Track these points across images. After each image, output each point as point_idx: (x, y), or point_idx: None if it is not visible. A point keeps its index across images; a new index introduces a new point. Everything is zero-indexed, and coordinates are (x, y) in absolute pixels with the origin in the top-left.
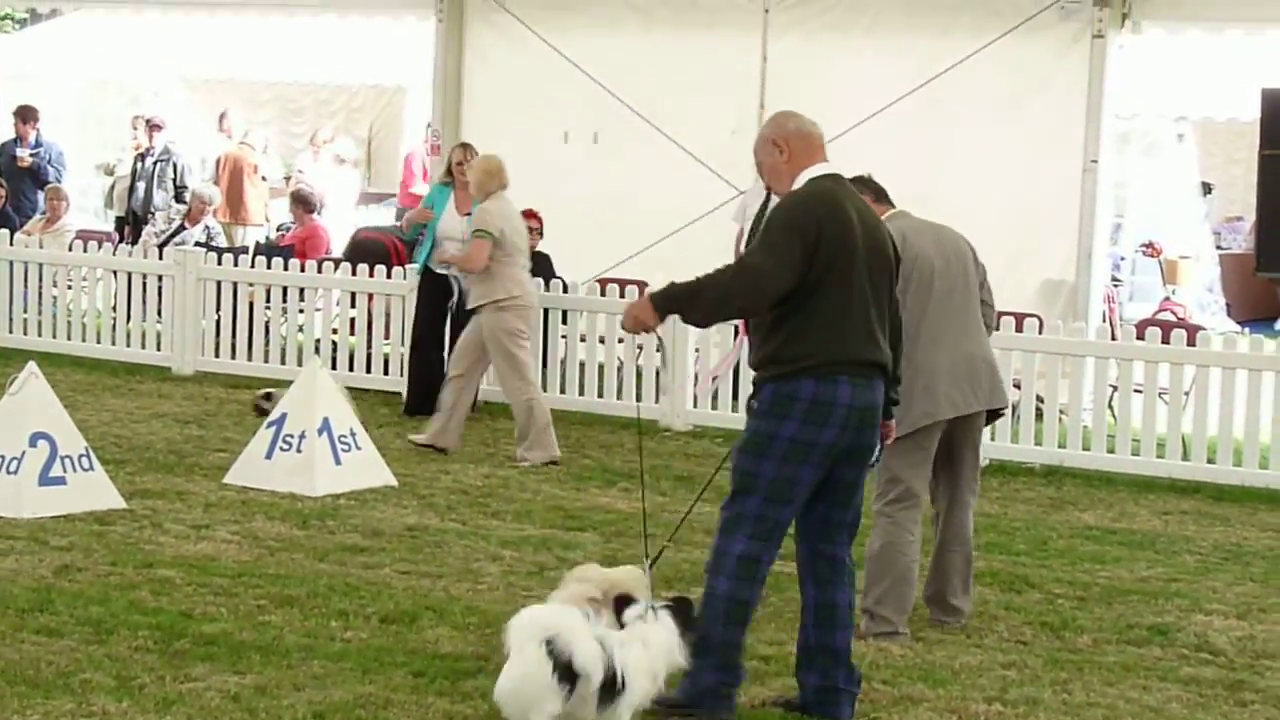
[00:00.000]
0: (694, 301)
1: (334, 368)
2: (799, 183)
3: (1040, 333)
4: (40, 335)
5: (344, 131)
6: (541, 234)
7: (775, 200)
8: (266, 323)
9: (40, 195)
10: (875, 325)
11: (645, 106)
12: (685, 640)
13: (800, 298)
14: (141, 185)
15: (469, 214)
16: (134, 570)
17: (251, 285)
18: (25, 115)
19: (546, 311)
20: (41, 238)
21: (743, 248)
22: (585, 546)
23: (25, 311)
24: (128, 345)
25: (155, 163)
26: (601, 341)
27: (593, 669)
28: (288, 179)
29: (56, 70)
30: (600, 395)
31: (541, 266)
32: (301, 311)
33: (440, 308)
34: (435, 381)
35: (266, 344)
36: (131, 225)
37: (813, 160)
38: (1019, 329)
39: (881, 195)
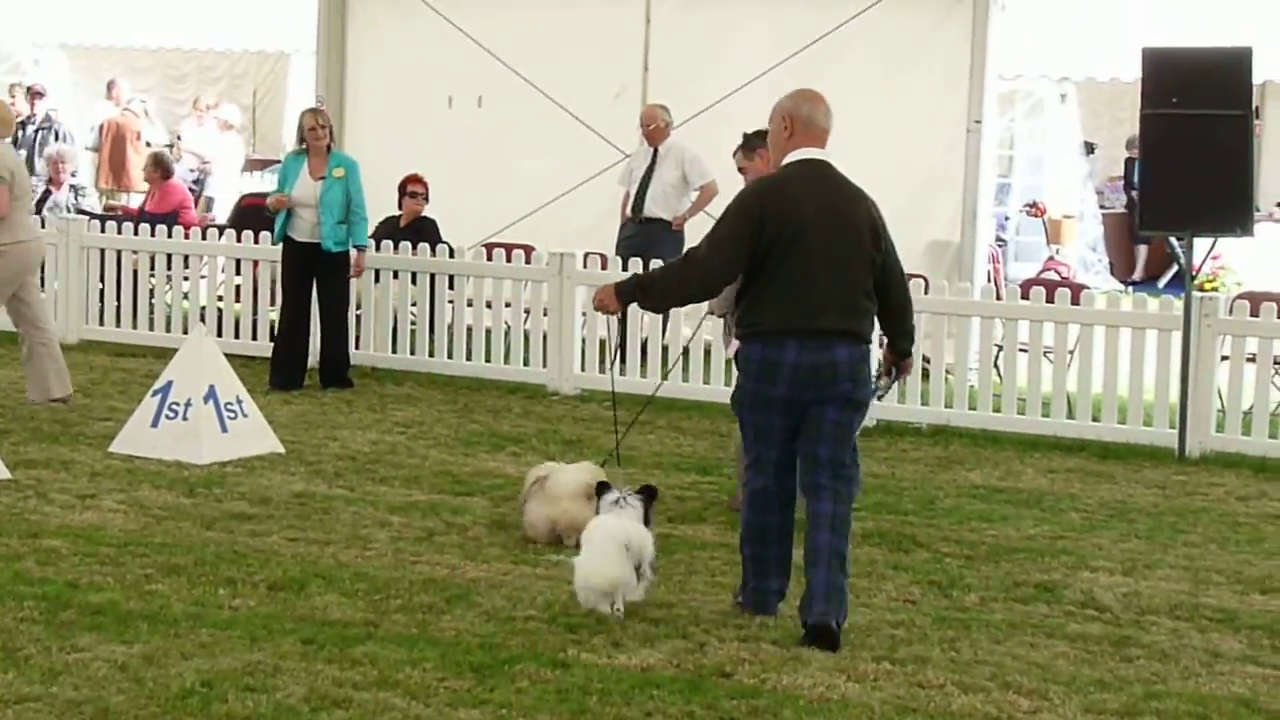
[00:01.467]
0: (648, 291)
1: (219, 335)
2: (786, 159)
3: (926, 293)
4: None
5: (227, 98)
6: (427, 199)
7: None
8: (151, 290)
9: None
10: (832, 294)
11: (529, 71)
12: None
13: (752, 273)
14: (23, 154)
15: (322, 178)
16: (19, 540)
17: (135, 253)
18: None
19: (433, 277)
20: None
21: (629, 211)
22: (474, 511)
23: None
24: None
25: (37, 131)
26: (488, 306)
27: (652, 561)
28: (171, 146)
29: None
30: (487, 360)
31: (427, 232)
32: (186, 279)
33: (304, 277)
34: (300, 353)
35: (151, 312)
36: None
37: (806, 144)
38: None
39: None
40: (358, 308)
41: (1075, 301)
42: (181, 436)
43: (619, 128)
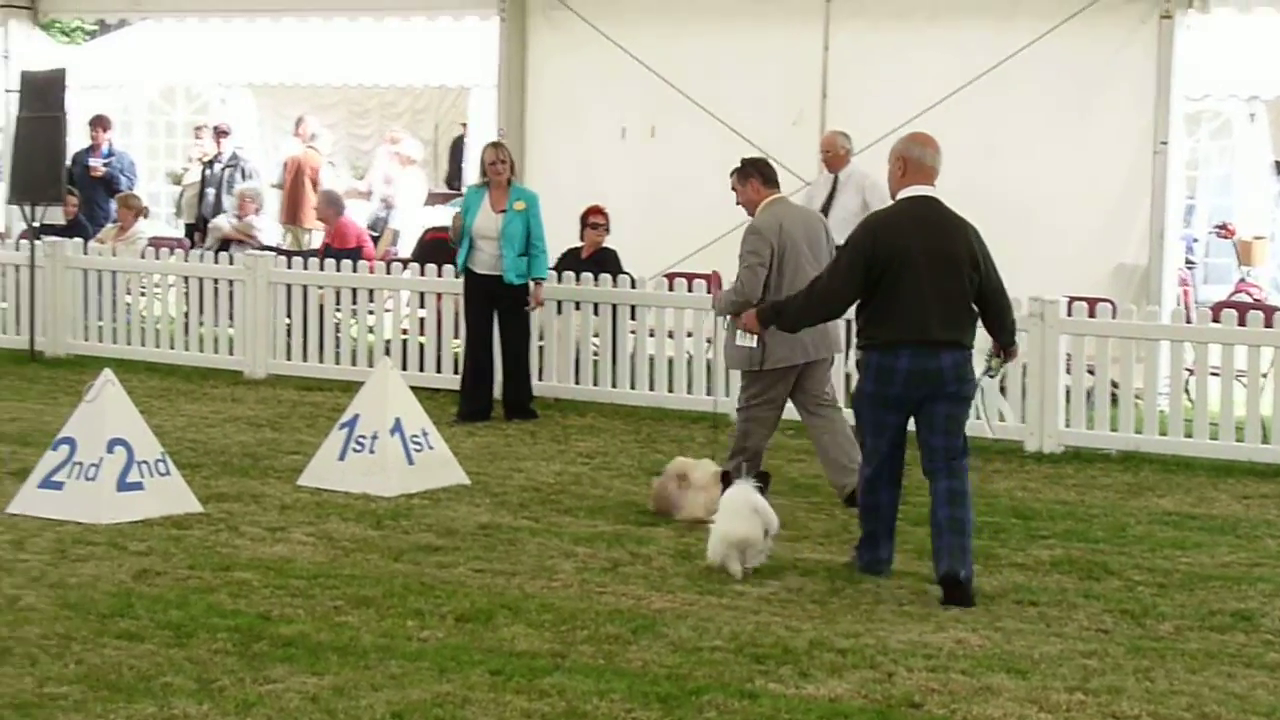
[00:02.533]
0: (783, 314)
1: (404, 368)
2: (899, 195)
3: (1114, 317)
4: (115, 342)
5: (409, 133)
6: (608, 230)
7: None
8: (337, 324)
9: (112, 204)
10: (937, 310)
11: (706, 98)
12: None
13: (869, 294)
14: (211, 192)
15: (503, 211)
16: (212, 573)
17: (321, 288)
18: (98, 124)
19: (615, 307)
20: (114, 246)
21: None
22: (658, 542)
23: (100, 319)
24: (200, 350)
25: (224, 169)
26: (670, 336)
27: (775, 524)
28: (361, 177)
29: (126, 80)
30: (670, 390)
31: (609, 262)
32: (371, 313)
33: (486, 309)
34: (486, 385)
35: (337, 345)
36: (201, 231)
37: (915, 182)
38: (1092, 314)
39: (769, 180)
40: (540, 339)
41: (1268, 324)
42: (369, 469)
43: (798, 155)
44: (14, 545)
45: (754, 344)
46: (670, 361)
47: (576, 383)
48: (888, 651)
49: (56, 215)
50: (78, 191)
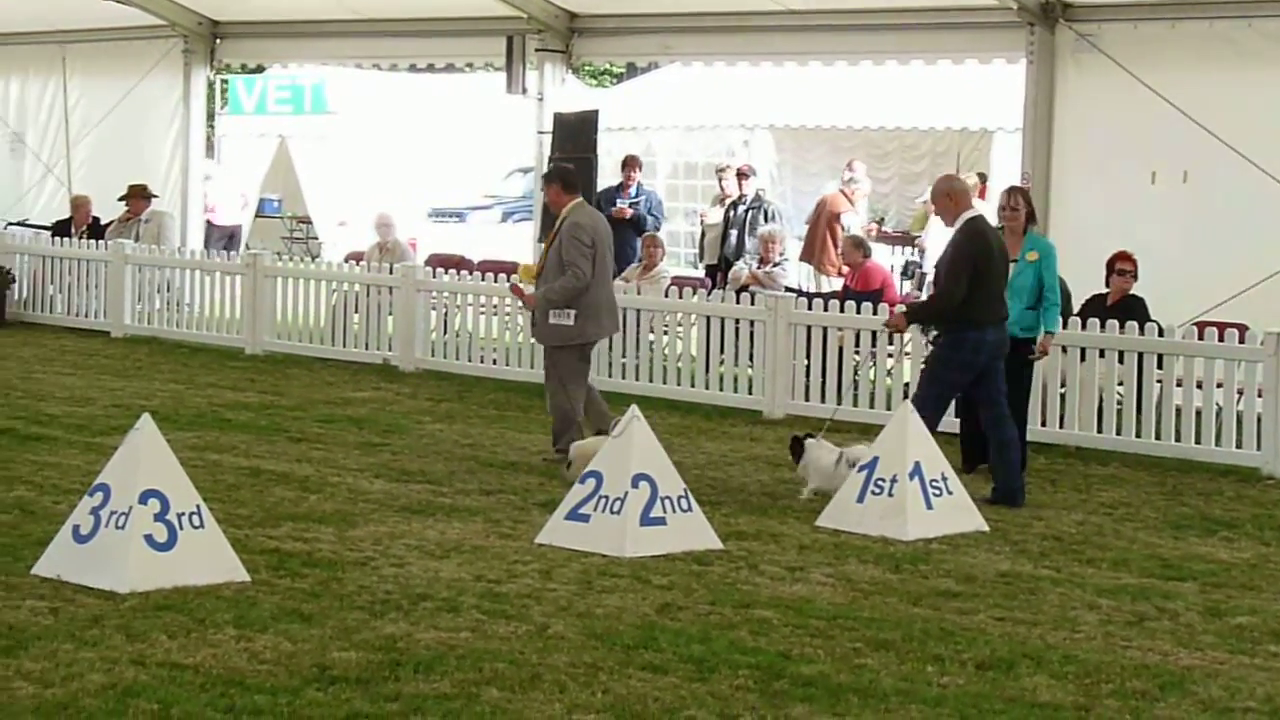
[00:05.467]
0: (917, 314)
1: None
2: (962, 217)
3: None
4: (638, 379)
5: (928, 177)
6: (1135, 276)
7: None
8: (855, 366)
9: (639, 242)
10: (1003, 294)
11: (1243, 144)
12: None
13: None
14: (734, 233)
15: (1014, 260)
16: (732, 610)
17: (841, 330)
18: (630, 164)
19: (1140, 355)
20: (639, 284)
21: None
22: (1185, 597)
23: (624, 356)
24: (720, 389)
25: (747, 211)
26: (1199, 386)
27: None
28: (878, 222)
29: (650, 122)
30: (1198, 441)
31: (1136, 310)
32: (890, 356)
33: None
34: (980, 433)
35: (855, 388)
36: (723, 272)
37: (967, 206)
38: None
39: (570, 185)
40: (1062, 386)
41: None
42: (887, 512)
43: None
44: (543, 575)
45: (571, 320)
46: (1198, 412)
47: (1099, 431)
48: None
49: None
50: None
